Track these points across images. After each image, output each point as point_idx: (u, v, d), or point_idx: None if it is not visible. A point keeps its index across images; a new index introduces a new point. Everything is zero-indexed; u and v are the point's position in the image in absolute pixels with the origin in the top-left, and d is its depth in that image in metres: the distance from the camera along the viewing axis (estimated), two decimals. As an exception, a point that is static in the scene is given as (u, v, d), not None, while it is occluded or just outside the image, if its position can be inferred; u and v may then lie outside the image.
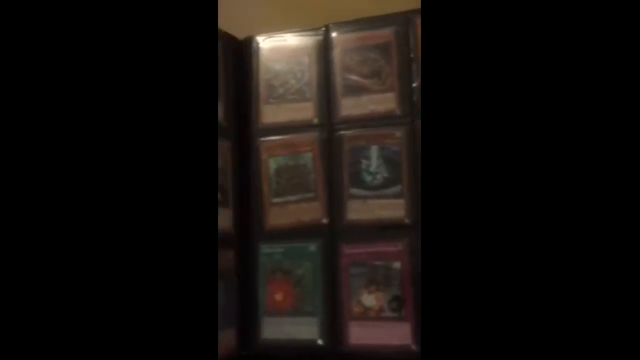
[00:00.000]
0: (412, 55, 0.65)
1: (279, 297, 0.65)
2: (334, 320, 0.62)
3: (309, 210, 0.66)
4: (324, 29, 0.70)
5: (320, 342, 0.62)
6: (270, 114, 0.70)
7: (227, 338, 0.63)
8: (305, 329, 0.63)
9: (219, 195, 0.68)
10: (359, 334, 0.61)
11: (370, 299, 0.61)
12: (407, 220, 0.61)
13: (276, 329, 0.64)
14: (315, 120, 0.68)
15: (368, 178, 0.64)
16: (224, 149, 0.69)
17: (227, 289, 0.64)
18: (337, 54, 0.69)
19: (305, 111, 0.69)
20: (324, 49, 0.70)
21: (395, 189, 0.62)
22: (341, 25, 0.70)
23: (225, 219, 0.67)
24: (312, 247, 0.65)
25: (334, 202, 0.65)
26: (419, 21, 0.66)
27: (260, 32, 0.74)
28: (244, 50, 0.74)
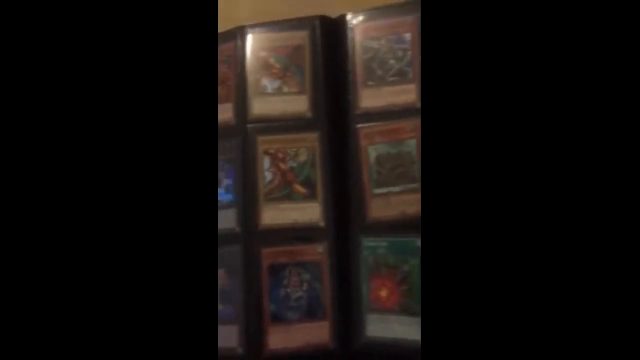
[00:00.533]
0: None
1: (383, 293, 0.62)
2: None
3: (414, 202, 0.62)
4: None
5: (430, 343, 0.59)
6: (369, 97, 0.66)
7: (317, 330, 0.61)
8: (413, 329, 0.59)
9: (303, 189, 0.65)
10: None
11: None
12: None
13: (381, 326, 0.61)
14: (419, 105, 0.63)
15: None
16: (310, 140, 0.66)
17: (314, 280, 0.63)
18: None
19: (408, 94, 0.64)
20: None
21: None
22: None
23: (311, 212, 0.65)
24: (419, 241, 0.60)
25: (443, 194, 0.60)
26: None
27: (354, 9, 0.69)
28: (339, 30, 0.69)
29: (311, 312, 0.64)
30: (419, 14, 0.64)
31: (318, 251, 0.65)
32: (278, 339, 0.64)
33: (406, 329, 0.60)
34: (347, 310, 0.64)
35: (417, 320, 0.59)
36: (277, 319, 0.64)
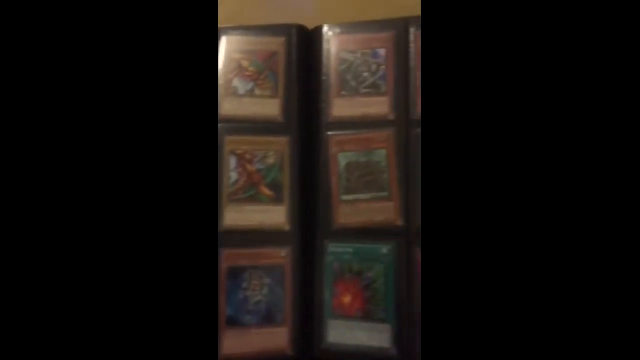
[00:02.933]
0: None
1: (347, 299, 0.61)
2: (408, 328, 0.59)
3: (382, 210, 0.63)
4: (402, 21, 0.67)
5: (392, 351, 0.59)
6: (341, 107, 0.67)
7: (275, 335, 0.60)
8: (377, 336, 0.59)
9: (269, 192, 0.65)
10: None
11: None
12: None
13: (343, 333, 0.61)
14: (391, 116, 0.65)
15: (450, 180, 0.61)
16: (281, 144, 0.66)
17: (276, 284, 0.62)
18: (416, 48, 0.66)
19: (380, 106, 0.66)
20: (402, 42, 0.67)
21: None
22: (419, 20, 0.67)
23: (277, 216, 0.64)
24: (385, 249, 0.61)
25: (410, 204, 0.62)
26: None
27: (331, 22, 0.71)
28: (315, 40, 0.70)
29: (270, 317, 0.62)
30: (394, 32, 0.67)
31: (281, 255, 0.64)
32: (233, 343, 0.61)
33: (369, 336, 0.60)
34: (308, 316, 0.62)
35: (380, 327, 0.59)
36: (234, 323, 0.62)
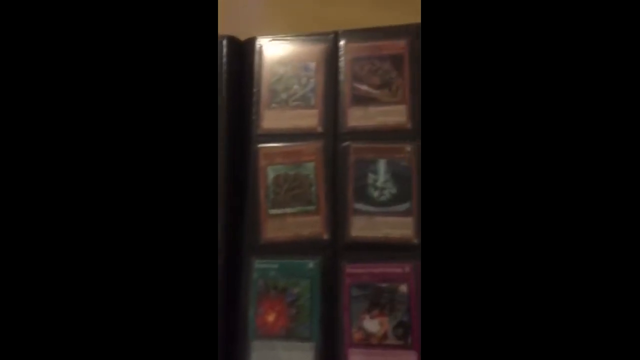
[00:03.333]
0: (425, 68, 0.63)
1: (271, 318, 0.59)
2: (333, 346, 0.57)
3: (309, 224, 0.61)
4: (332, 35, 0.67)
5: (316, 369, 0.57)
6: (271, 119, 0.66)
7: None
8: (300, 355, 0.57)
9: None
10: (358, 363, 0.56)
11: (373, 324, 0.56)
12: (415, 240, 0.57)
13: (266, 354, 0.58)
14: (320, 129, 0.64)
15: (375, 193, 0.60)
16: None
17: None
18: (345, 62, 0.66)
19: (309, 118, 0.65)
20: (332, 56, 0.66)
21: (405, 205, 0.58)
22: (351, 33, 0.67)
23: None
24: (311, 264, 0.59)
25: (337, 217, 0.61)
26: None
27: (263, 34, 0.70)
28: (246, 52, 0.69)
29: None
30: (324, 45, 0.67)
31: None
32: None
33: (292, 355, 0.57)
34: (232, 338, 0.60)
35: (304, 345, 0.57)
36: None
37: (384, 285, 0.57)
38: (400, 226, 0.58)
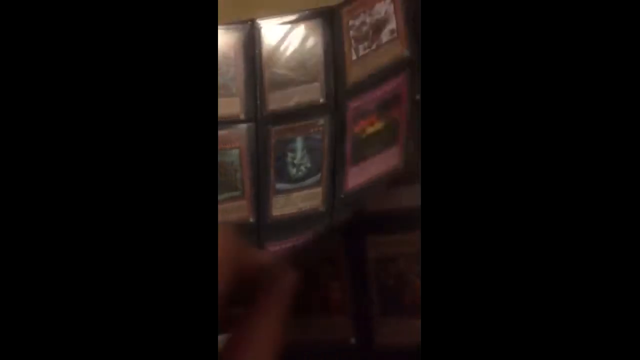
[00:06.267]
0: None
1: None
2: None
3: (235, 209, 0.62)
4: (249, 23, 0.68)
5: None
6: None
7: None
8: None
9: None
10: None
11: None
12: (321, 209, 0.58)
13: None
14: (242, 116, 0.65)
15: (292, 171, 0.61)
16: None
17: None
18: (263, 49, 0.67)
19: (231, 107, 0.66)
20: (250, 44, 0.67)
21: (315, 178, 0.59)
22: (267, 19, 0.68)
23: None
24: (238, 247, 0.61)
25: (261, 200, 0.62)
26: (343, 12, 0.64)
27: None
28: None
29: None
30: (241, 33, 0.68)
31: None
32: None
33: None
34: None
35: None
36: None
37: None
38: (311, 198, 0.59)
